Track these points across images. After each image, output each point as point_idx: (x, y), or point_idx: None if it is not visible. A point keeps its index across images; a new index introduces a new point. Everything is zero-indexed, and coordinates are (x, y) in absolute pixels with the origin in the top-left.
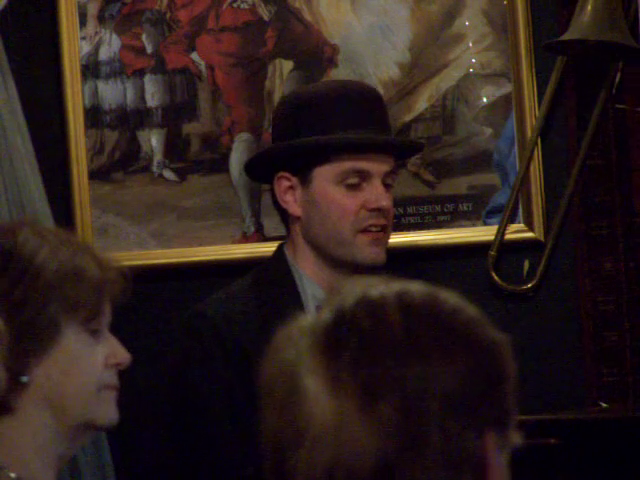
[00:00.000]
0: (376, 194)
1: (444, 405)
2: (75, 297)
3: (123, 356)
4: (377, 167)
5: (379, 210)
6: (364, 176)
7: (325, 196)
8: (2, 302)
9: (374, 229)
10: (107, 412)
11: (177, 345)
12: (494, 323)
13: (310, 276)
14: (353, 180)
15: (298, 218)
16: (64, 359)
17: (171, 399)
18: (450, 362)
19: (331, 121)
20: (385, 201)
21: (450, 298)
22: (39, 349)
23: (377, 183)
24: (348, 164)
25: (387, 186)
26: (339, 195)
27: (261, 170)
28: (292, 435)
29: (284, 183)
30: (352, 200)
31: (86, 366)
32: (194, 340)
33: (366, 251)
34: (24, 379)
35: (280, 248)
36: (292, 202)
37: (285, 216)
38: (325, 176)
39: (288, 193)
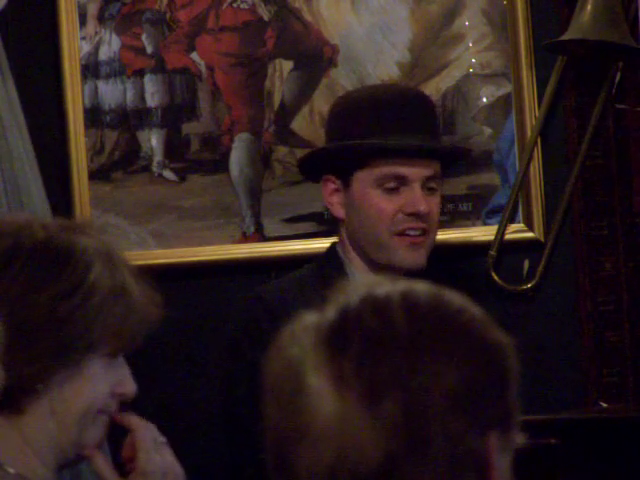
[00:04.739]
0: (413, 198)
1: (447, 405)
2: (119, 324)
3: (130, 389)
4: (416, 172)
5: (417, 214)
6: (402, 181)
7: (363, 199)
8: (45, 315)
9: (412, 232)
10: (96, 435)
11: (232, 324)
12: (494, 323)
13: (361, 274)
14: (391, 184)
15: (342, 220)
16: (80, 379)
17: (223, 377)
18: (454, 362)
19: (371, 125)
20: (423, 206)
21: (455, 298)
22: (63, 365)
23: (416, 187)
24: (385, 169)
25: (431, 189)
26: (377, 198)
27: (311, 170)
28: (296, 432)
29: (329, 185)
30: (389, 203)
31: (95, 390)
32: (250, 320)
33: (403, 254)
34: (40, 387)
35: (333, 247)
36: (336, 204)
37: (334, 217)
38: (364, 180)
39: (333, 195)
